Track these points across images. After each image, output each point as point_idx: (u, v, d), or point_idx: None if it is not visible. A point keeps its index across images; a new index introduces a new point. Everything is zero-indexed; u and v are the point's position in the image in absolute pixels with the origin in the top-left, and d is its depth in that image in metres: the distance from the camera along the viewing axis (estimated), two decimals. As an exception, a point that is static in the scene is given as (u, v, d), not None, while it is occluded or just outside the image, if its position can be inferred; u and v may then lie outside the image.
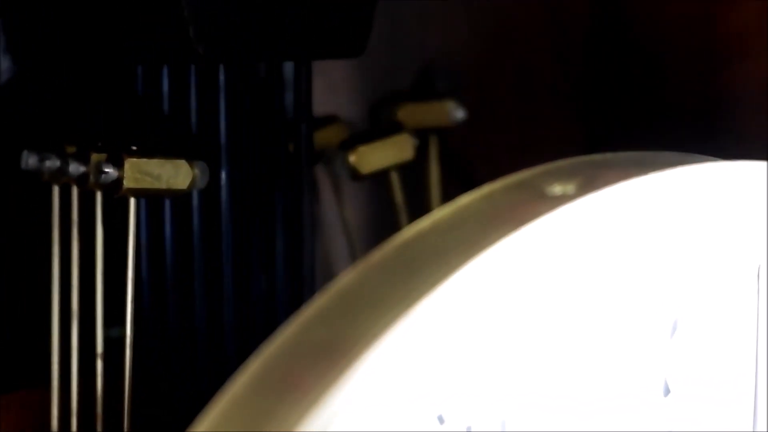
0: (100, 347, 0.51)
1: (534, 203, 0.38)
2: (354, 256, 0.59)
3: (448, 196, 0.57)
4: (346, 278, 0.37)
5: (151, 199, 0.51)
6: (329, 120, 0.57)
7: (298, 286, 0.53)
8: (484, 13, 0.70)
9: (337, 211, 0.60)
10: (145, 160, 0.48)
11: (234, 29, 0.49)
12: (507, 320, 0.37)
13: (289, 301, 0.53)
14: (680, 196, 0.39)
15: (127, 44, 0.51)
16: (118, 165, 0.48)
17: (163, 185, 0.48)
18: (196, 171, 0.49)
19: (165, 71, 0.52)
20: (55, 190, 0.52)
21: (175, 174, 0.48)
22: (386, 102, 0.59)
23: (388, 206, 0.58)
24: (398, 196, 0.56)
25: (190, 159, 0.49)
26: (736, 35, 0.66)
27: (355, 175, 0.54)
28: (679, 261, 0.40)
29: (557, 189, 0.38)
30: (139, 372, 0.51)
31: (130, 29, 0.50)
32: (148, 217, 0.53)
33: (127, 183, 0.48)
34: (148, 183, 0.48)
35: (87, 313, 0.52)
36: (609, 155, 0.41)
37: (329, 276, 0.61)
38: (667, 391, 0.40)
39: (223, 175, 0.51)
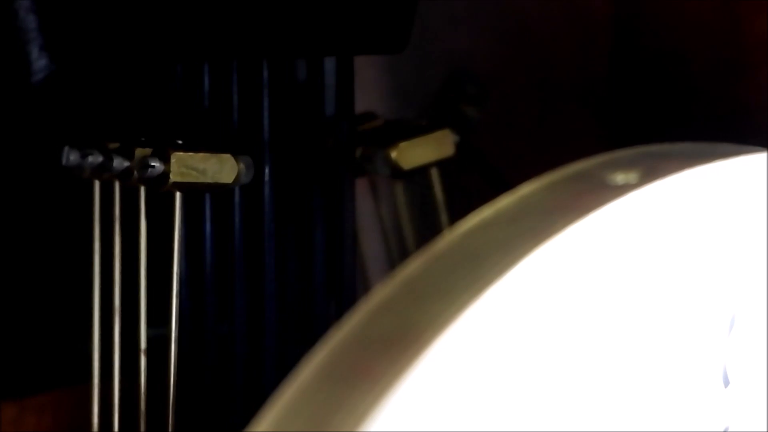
0: (143, 343, 0.51)
1: (597, 192, 0.38)
2: (390, 255, 0.59)
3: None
4: (410, 267, 0.37)
5: (195, 194, 0.51)
6: (367, 117, 0.57)
7: (339, 283, 0.53)
8: (509, 17, 0.70)
9: (371, 210, 0.60)
10: (190, 154, 0.48)
11: (276, 25, 0.49)
12: (572, 308, 0.37)
13: (328, 297, 0.53)
14: (741, 186, 0.39)
15: (174, 41, 0.51)
16: (164, 159, 0.48)
17: (208, 179, 0.48)
18: (242, 165, 0.48)
19: (206, 68, 0.52)
20: (97, 186, 0.52)
21: (220, 168, 0.48)
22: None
23: (420, 205, 0.58)
24: (438, 192, 0.55)
25: (236, 154, 0.49)
26: (762, 42, 0.66)
27: (396, 171, 0.53)
28: (737, 252, 0.40)
29: (619, 178, 0.38)
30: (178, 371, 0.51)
31: (176, 26, 0.50)
32: (187, 213, 0.53)
33: (173, 177, 0.48)
34: (193, 177, 0.48)
35: (129, 310, 0.52)
36: (665, 146, 0.41)
37: (363, 274, 0.61)
38: (727, 382, 0.40)
39: (267, 172, 0.51)
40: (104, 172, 0.50)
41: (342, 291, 0.54)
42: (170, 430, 0.50)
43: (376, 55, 0.59)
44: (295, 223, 0.52)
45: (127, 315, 0.52)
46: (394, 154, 0.54)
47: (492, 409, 0.35)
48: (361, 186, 0.60)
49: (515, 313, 0.36)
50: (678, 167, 0.38)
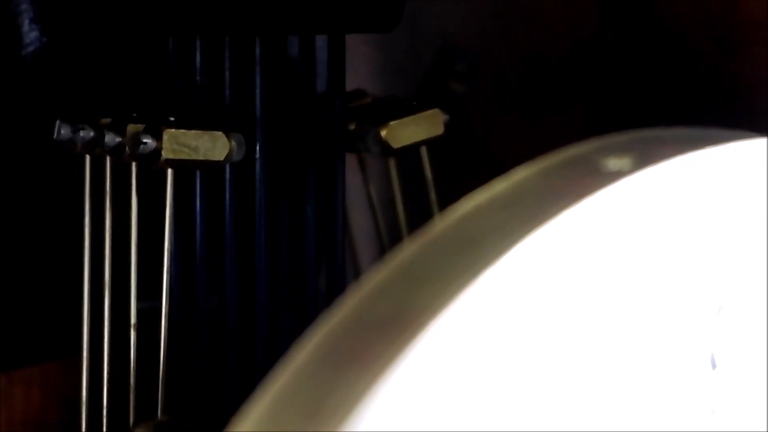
0: (133, 318, 0.51)
1: (591, 178, 0.38)
2: (378, 231, 0.59)
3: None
4: (405, 251, 0.37)
5: (186, 171, 0.51)
6: (356, 95, 0.57)
7: (329, 259, 0.54)
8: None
9: (359, 187, 0.60)
10: (183, 131, 0.48)
11: (269, 2, 0.49)
12: (565, 293, 0.37)
13: (318, 273, 0.54)
14: (733, 172, 0.39)
15: (166, 15, 0.51)
16: (157, 136, 0.48)
17: (200, 156, 0.48)
18: (234, 143, 0.49)
19: (198, 45, 0.52)
20: (88, 161, 0.52)
21: (212, 146, 0.48)
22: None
23: (408, 185, 0.58)
24: (428, 171, 0.56)
25: (227, 131, 0.49)
26: (757, 20, 0.66)
27: (386, 150, 0.54)
28: (726, 237, 0.41)
29: (612, 164, 0.39)
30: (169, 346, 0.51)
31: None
32: (179, 190, 0.53)
33: (166, 154, 0.48)
34: (185, 154, 0.48)
35: (119, 285, 0.52)
36: (659, 131, 0.41)
37: (351, 250, 0.61)
38: (714, 365, 0.41)
39: (258, 148, 0.51)
40: (96, 147, 0.50)
41: (333, 267, 0.54)
42: (160, 403, 0.50)
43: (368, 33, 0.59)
44: (286, 200, 0.52)
45: (117, 289, 0.52)
46: (384, 133, 0.54)
47: (486, 391, 0.36)
48: (349, 163, 0.60)
49: (510, 297, 0.36)
50: (671, 153, 0.39)
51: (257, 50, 0.51)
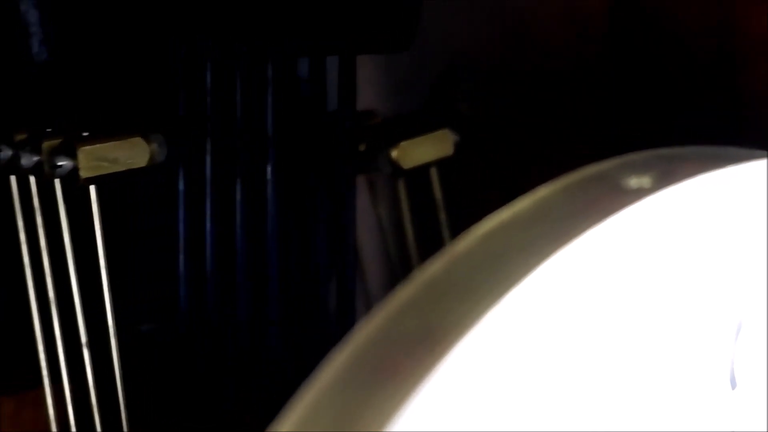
0: (83, 336, 0.50)
1: (614, 196, 0.38)
2: (389, 255, 0.59)
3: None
4: (431, 268, 0.37)
5: (113, 184, 0.48)
6: (366, 115, 0.57)
7: (341, 282, 0.54)
8: (507, 13, 0.70)
9: (367, 208, 0.60)
10: (98, 145, 0.46)
11: (281, 24, 0.49)
12: (590, 310, 0.37)
13: (329, 296, 0.54)
14: (755, 190, 0.40)
15: (178, 35, 0.50)
16: (72, 154, 0.46)
17: (122, 167, 0.46)
18: (153, 146, 0.47)
19: (208, 65, 0.52)
20: (13, 181, 0.49)
21: (131, 154, 0.46)
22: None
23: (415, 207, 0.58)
24: (438, 192, 0.56)
25: (146, 133, 0.47)
26: (760, 36, 0.66)
27: (396, 170, 0.54)
28: (746, 256, 0.41)
29: (634, 182, 0.39)
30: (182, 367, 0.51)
31: (180, 19, 0.50)
32: (187, 211, 0.53)
33: (84, 173, 0.46)
34: (104, 169, 0.46)
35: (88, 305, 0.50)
36: (678, 149, 0.42)
37: (361, 274, 0.61)
38: (734, 384, 0.41)
39: (270, 170, 0.51)
40: (16, 167, 0.48)
41: (344, 288, 0.54)
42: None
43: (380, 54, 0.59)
44: (297, 222, 0.52)
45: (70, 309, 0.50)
46: (395, 153, 0.54)
47: (516, 408, 0.36)
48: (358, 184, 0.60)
49: (537, 315, 0.36)
50: (693, 171, 0.39)
51: (269, 71, 0.51)
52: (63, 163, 0.46)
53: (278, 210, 0.52)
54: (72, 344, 0.51)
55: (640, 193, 0.38)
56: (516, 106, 0.69)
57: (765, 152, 0.43)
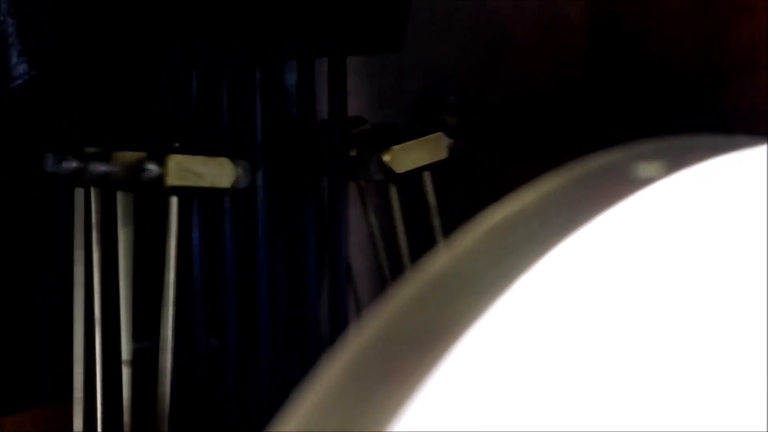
0: (125, 354, 0.49)
1: (621, 184, 0.37)
2: (380, 263, 0.57)
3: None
4: (434, 264, 0.36)
5: (189, 198, 0.49)
6: (355, 121, 0.56)
7: (332, 289, 0.52)
8: (487, 25, 0.69)
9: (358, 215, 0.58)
10: (188, 157, 0.47)
11: (268, 23, 0.48)
12: (601, 299, 0.36)
13: (320, 303, 0.52)
14: (762, 175, 0.38)
15: (166, 42, 0.49)
16: (160, 162, 0.46)
17: (206, 183, 0.47)
18: (240, 169, 0.47)
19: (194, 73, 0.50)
20: (79, 194, 0.50)
21: (219, 172, 0.47)
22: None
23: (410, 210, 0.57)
24: (431, 197, 0.54)
25: (232, 157, 0.47)
26: (745, 47, 0.65)
27: (389, 175, 0.52)
28: (754, 244, 0.39)
29: (642, 170, 0.37)
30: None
31: (167, 26, 0.49)
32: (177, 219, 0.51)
33: (170, 181, 0.46)
34: (191, 180, 0.46)
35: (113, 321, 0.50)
36: (684, 138, 0.40)
37: (352, 281, 0.60)
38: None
39: (260, 176, 0.50)
40: (85, 177, 0.48)
41: (336, 298, 0.52)
42: None
43: (358, 62, 0.57)
44: (288, 229, 0.51)
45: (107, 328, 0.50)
46: (387, 158, 0.52)
47: (523, 404, 0.34)
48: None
49: (544, 306, 0.34)
50: (701, 158, 0.38)
51: (257, 76, 0.49)
52: (151, 167, 0.46)
53: (269, 218, 0.50)
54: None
55: (650, 180, 0.37)
56: (499, 116, 0.68)
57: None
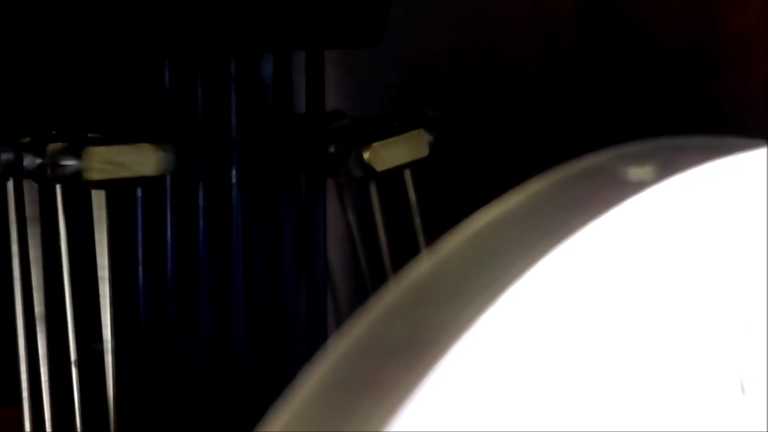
0: (73, 354, 0.47)
1: (612, 188, 0.35)
2: (358, 261, 0.56)
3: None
4: (418, 269, 0.34)
5: (119, 190, 0.47)
6: (334, 115, 0.54)
7: (310, 289, 0.51)
8: (472, 15, 0.68)
9: (336, 213, 0.57)
10: (106, 147, 0.44)
11: (244, 16, 0.46)
12: (592, 310, 0.34)
13: (298, 302, 0.51)
14: (760, 179, 0.37)
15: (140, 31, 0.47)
16: (78, 155, 0.44)
17: (129, 173, 0.45)
18: (164, 154, 0.45)
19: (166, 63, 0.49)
20: (10, 185, 0.48)
21: (141, 160, 0.45)
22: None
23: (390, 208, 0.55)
24: (412, 195, 0.53)
25: (157, 141, 0.45)
26: (737, 36, 0.64)
27: (369, 173, 0.51)
28: (755, 250, 0.38)
29: (633, 173, 0.36)
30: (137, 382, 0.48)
31: (143, 19, 0.47)
32: (146, 216, 0.49)
33: (89, 174, 0.44)
34: (112, 172, 0.44)
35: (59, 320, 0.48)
36: (676, 139, 0.39)
37: (330, 281, 0.58)
38: (743, 390, 0.38)
39: (234, 172, 0.48)
40: (17, 170, 0.46)
41: (314, 301, 0.51)
42: None
43: (337, 52, 0.56)
44: (264, 227, 0.49)
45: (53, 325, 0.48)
46: (367, 155, 0.51)
47: (512, 416, 0.33)
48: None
49: (534, 315, 0.33)
50: (694, 161, 0.36)
51: (233, 67, 0.48)
52: (68, 162, 0.44)
53: (244, 215, 0.49)
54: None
55: (640, 185, 0.35)
56: (485, 110, 0.66)
57: (764, 141, 0.40)
